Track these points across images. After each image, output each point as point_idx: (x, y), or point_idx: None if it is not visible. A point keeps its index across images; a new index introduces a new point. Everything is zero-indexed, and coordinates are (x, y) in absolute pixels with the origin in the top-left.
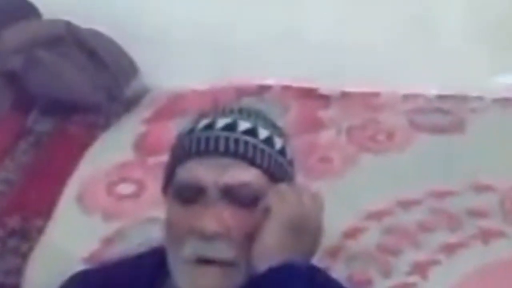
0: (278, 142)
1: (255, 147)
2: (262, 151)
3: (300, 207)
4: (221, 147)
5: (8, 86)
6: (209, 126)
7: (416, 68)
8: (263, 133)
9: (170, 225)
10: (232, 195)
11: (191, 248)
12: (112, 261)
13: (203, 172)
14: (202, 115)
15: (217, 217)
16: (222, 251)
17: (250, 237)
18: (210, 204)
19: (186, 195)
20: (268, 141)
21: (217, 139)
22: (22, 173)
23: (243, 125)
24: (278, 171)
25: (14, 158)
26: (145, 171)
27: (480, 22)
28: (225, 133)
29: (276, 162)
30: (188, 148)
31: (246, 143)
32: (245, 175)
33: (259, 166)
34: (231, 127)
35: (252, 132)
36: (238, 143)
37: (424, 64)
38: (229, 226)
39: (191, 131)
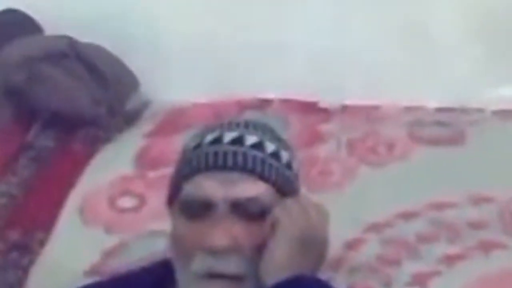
0: (285, 156)
1: (263, 161)
2: (270, 165)
3: (307, 221)
4: (230, 162)
5: (10, 101)
6: (217, 141)
7: (416, 80)
8: (270, 147)
9: (178, 240)
10: (241, 209)
11: (200, 263)
12: (115, 275)
13: (212, 187)
14: (207, 128)
15: (226, 232)
16: (232, 265)
17: (259, 251)
18: (219, 219)
19: (195, 210)
20: (275, 155)
21: (225, 154)
22: (24, 186)
23: (250, 139)
24: (285, 184)
25: (15, 172)
26: (146, 184)
27: (480, 35)
28: (233, 148)
29: (283, 176)
30: (196, 163)
31: (254, 157)
32: (253, 189)
33: (267, 180)
34: (238, 141)
35: (259, 146)
36: (246, 158)
37: (424, 76)
38: (238, 241)
39: (198, 146)
